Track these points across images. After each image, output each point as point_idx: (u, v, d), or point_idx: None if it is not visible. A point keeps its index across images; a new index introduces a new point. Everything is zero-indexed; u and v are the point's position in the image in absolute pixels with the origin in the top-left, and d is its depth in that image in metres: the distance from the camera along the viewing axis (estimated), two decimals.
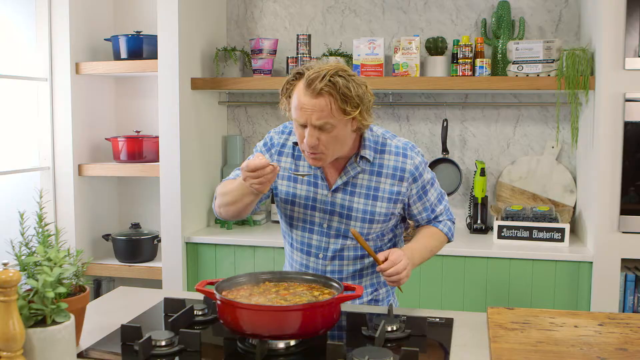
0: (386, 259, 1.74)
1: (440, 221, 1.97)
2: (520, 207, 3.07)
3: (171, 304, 1.81)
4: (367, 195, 1.85)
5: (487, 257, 2.84)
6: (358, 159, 1.84)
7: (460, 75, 3.06)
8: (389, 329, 1.61)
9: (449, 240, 2.00)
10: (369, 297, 1.95)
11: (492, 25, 3.20)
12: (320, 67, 1.69)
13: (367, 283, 1.94)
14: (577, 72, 2.81)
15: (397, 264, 1.72)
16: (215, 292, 1.53)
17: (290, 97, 1.75)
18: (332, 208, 1.86)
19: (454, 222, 2.00)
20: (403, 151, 1.87)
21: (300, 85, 1.70)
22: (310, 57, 3.21)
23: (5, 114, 3.13)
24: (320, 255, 1.90)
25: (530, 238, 2.93)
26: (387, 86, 3.05)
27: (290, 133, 1.91)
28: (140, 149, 3.35)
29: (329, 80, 1.65)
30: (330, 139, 1.71)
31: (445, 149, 3.26)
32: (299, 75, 1.73)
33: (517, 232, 2.95)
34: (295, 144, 1.87)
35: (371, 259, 1.89)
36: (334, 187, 1.85)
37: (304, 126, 1.72)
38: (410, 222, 2.08)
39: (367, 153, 1.84)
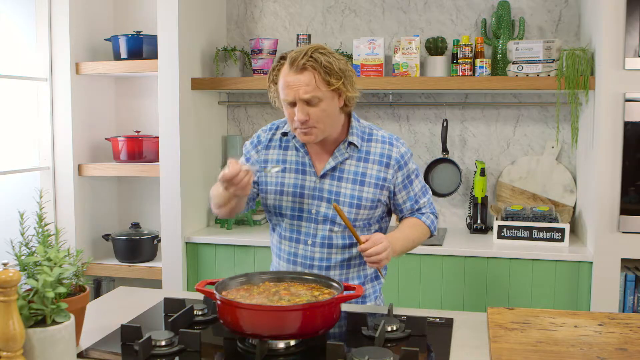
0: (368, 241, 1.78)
1: (423, 213, 2.02)
2: (520, 207, 3.07)
3: (171, 304, 1.81)
4: (355, 180, 1.91)
5: (487, 257, 2.84)
6: (346, 145, 1.91)
7: (460, 75, 3.06)
8: (389, 329, 1.62)
9: (431, 234, 2.04)
10: None
11: (492, 25, 3.20)
12: (301, 48, 1.80)
13: (354, 275, 1.97)
14: (577, 72, 2.81)
15: (377, 245, 1.76)
16: (215, 292, 1.53)
17: (277, 83, 1.85)
18: (320, 194, 1.92)
19: (437, 217, 2.06)
20: (389, 140, 1.96)
21: (285, 67, 1.80)
22: None
23: (5, 114, 3.12)
24: (309, 242, 1.94)
25: (530, 238, 2.93)
26: (387, 86, 3.05)
27: (277, 129, 2.00)
28: (140, 149, 3.35)
29: (311, 57, 1.77)
30: (320, 112, 1.79)
31: (445, 149, 3.26)
32: (282, 59, 1.83)
33: (517, 232, 2.95)
34: (284, 134, 1.96)
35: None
36: (322, 173, 1.91)
37: (293, 104, 1.80)
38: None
39: (355, 140, 1.91)
